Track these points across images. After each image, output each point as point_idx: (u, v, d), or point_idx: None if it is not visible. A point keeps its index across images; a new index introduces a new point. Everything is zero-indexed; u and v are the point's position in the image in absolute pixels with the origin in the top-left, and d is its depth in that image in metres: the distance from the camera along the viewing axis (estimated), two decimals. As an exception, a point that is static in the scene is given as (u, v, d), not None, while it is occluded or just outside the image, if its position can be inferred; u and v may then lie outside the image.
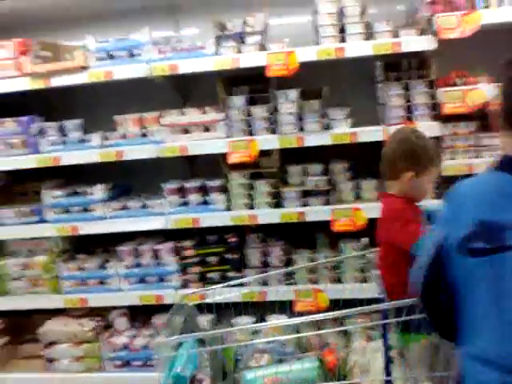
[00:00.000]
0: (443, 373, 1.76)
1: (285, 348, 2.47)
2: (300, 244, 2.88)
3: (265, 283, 2.79)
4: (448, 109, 2.56)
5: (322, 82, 2.76)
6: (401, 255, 1.94)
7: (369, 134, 2.60)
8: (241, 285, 2.64)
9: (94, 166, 2.86)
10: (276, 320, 2.59)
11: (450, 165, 2.61)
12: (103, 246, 3.09)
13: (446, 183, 2.69)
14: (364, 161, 2.60)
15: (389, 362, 1.92)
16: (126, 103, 3.01)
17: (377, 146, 2.16)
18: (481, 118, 2.63)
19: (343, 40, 2.59)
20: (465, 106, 2.54)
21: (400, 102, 2.61)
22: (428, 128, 2.53)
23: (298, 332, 2.69)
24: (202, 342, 2.13)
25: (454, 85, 2.64)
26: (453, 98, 2.55)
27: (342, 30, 2.59)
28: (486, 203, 1.25)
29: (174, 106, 2.89)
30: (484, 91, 2.52)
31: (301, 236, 2.91)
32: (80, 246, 3.14)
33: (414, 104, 2.61)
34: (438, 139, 2.59)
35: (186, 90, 3.13)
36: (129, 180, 3.12)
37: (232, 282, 2.36)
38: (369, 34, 2.58)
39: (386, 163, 1.97)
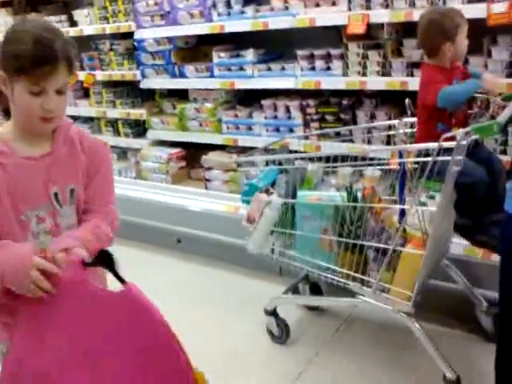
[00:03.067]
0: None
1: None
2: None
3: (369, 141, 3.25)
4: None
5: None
6: (431, 114, 2.29)
7: (474, 10, 2.72)
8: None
9: (250, 33, 3.56)
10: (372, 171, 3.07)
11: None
12: (254, 100, 3.86)
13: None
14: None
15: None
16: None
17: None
18: None
19: None
20: None
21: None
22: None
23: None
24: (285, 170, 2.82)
25: None
26: None
27: None
28: None
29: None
30: None
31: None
32: (239, 98, 3.96)
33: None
34: None
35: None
36: (276, 47, 3.74)
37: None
38: None
39: (424, 45, 2.31)
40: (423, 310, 2.26)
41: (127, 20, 4.22)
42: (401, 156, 2.31)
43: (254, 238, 2.74)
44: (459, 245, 2.66)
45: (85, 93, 4.84)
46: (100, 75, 4.51)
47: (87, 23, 4.53)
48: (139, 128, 4.47)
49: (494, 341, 2.55)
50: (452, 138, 1.97)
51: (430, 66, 2.35)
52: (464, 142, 1.94)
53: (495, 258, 2.61)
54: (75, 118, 4.91)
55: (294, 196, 2.68)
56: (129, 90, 4.54)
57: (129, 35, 4.26)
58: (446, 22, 2.25)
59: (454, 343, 2.55)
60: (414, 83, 2.96)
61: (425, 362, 2.28)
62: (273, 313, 2.75)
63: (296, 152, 3.11)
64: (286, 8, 3.39)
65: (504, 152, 2.70)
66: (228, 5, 3.64)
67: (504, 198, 2.32)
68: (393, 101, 3.29)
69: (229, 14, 3.62)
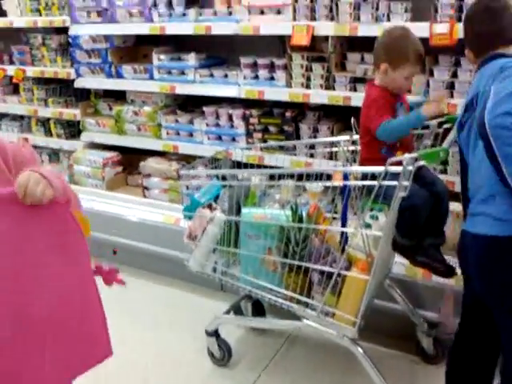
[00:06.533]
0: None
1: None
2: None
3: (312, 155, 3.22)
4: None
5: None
6: (374, 138, 2.28)
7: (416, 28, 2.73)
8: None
9: (192, 37, 3.44)
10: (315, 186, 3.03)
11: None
12: (195, 105, 3.75)
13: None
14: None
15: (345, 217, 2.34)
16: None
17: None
18: None
19: None
20: None
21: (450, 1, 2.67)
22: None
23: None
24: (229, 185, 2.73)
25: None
26: None
27: None
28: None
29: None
30: None
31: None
32: (181, 103, 3.85)
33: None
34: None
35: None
36: (219, 52, 3.65)
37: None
38: None
39: (374, 54, 2.26)
40: (365, 329, 2.26)
41: (61, 14, 3.99)
42: (346, 178, 2.29)
43: (195, 256, 2.65)
44: (401, 264, 2.68)
45: (14, 89, 4.56)
46: (31, 71, 4.25)
47: (17, 14, 4.25)
48: (72, 129, 4.25)
49: (433, 362, 2.63)
50: (398, 163, 1.96)
51: (374, 86, 2.31)
52: (410, 168, 1.93)
53: (436, 279, 2.66)
54: (4, 116, 4.64)
55: (238, 212, 2.61)
56: (62, 88, 4.31)
57: (63, 30, 4.04)
58: (398, 44, 2.20)
59: (394, 364, 2.57)
60: (356, 99, 2.96)
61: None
62: (214, 334, 2.68)
63: (239, 163, 3.04)
64: (230, 13, 3.29)
65: (444, 171, 2.74)
66: (169, 5, 3.50)
67: (446, 220, 2.36)
68: (335, 115, 3.28)
69: (170, 15, 3.48)
